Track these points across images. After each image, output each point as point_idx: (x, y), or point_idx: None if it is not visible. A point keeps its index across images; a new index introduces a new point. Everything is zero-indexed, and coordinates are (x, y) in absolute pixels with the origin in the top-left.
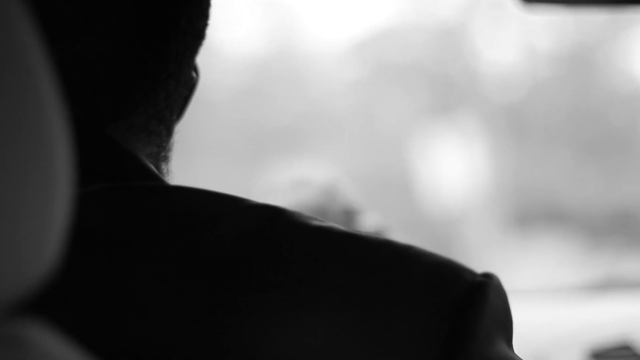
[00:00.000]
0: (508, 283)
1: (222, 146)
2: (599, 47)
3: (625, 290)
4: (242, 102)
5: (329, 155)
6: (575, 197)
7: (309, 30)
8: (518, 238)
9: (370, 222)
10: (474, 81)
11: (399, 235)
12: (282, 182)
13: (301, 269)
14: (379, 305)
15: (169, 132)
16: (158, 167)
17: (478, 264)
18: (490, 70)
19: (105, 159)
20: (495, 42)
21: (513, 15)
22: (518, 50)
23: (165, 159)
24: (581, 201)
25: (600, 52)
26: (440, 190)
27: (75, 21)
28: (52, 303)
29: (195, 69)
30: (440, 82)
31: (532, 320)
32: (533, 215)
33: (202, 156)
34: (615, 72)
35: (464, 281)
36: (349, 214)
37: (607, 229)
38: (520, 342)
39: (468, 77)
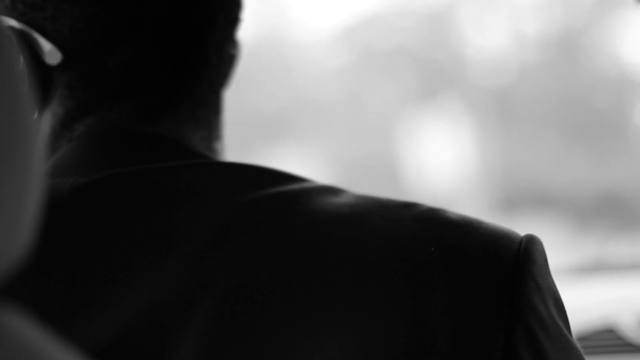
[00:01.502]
0: None
1: None
2: (586, 31)
3: (612, 273)
4: (230, 89)
5: (316, 141)
6: (563, 181)
7: (296, 17)
8: (505, 222)
9: None
10: (461, 66)
11: None
12: None
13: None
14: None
15: (216, 112)
16: (211, 147)
17: None
18: (477, 55)
19: (152, 153)
20: (483, 27)
21: (500, 0)
22: (505, 35)
23: (218, 137)
24: (568, 185)
25: (587, 36)
26: (428, 175)
27: (123, 25)
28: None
29: (235, 44)
30: (427, 67)
31: None
32: (520, 199)
33: None
34: (602, 56)
35: (512, 251)
36: None
37: (594, 212)
38: None
39: (455, 62)
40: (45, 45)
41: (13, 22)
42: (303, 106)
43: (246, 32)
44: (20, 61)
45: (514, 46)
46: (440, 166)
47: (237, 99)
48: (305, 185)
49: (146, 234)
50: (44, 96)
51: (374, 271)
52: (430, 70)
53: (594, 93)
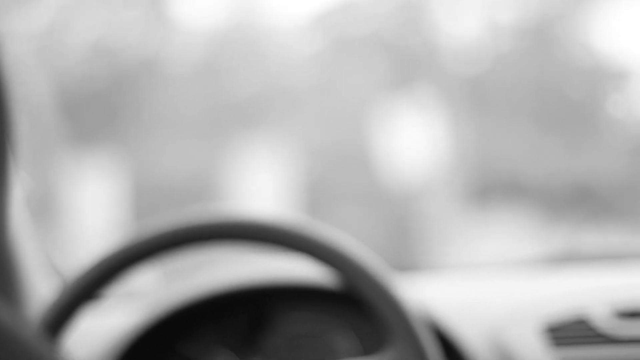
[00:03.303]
0: (467, 256)
1: (183, 120)
2: (560, 20)
3: (583, 262)
4: (203, 76)
5: (289, 128)
6: (535, 170)
7: (269, 4)
8: (478, 211)
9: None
10: (435, 54)
11: (358, 208)
12: None
13: None
14: None
15: None
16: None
17: (437, 237)
18: (451, 43)
19: None
20: (457, 15)
21: None
22: (480, 24)
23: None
24: (541, 174)
25: (562, 25)
26: (400, 163)
27: None
28: None
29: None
30: (401, 55)
31: (488, 294)
32: (493, 187)
33: (163, 130)
34: (577, 46)
35: None
36: None
37: (567, 202)
38: (472, 316)
39: (429, 50)
40: None
41: None
42: (276, 93)
43: (219, 18)
44: None
45: (488, 35)
46: (413, 154)
47: (211, 86)
48: None
49: None
50: None
51: None
52: (404, 58)
53: (568, 82)
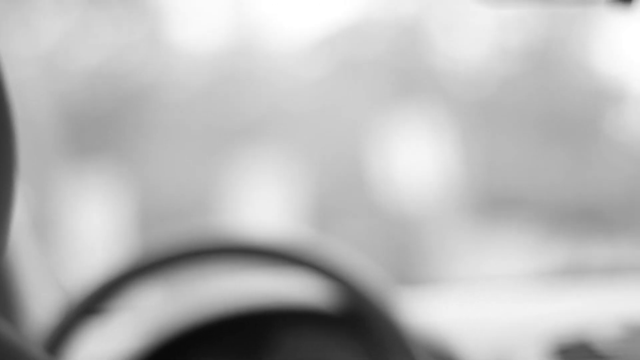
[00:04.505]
0: (471, 271)
1: (185, 146)
2: (563, 44)
3: (585, 277)
4: (205, 100)
5: (292, 152)
6: (540, 187)
7: (271, 28)
8: (480, 227)
9: None
10: (438, 78)
11: (365, 230)
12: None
13: None
14: None
15: None
16: None
17: (440, 254)
18: (455, 67)
19: None
20: (461, 39)
21: (478, 11)
22: (484, 47)
23: None
24: (545, 191)
25: (565, 48)
26: (403, 185)
27: None
28: None
29: None
30: (405, 78)
31: (492, 312)
32: (498, 205)
33: (166, 152)
34: (579, 68)
35: None
36: None
37: (570, 218)
38: (476, 335)
39: (433, 74)
40: None
41: None
42: (278, 119)
43: (222, 42)
44: None
45: (493, 58)
46: (415, 175)
47: (213, 110)
48: None
49: None
50: None
51: None
52: (409, 81)
53: (571, 104)
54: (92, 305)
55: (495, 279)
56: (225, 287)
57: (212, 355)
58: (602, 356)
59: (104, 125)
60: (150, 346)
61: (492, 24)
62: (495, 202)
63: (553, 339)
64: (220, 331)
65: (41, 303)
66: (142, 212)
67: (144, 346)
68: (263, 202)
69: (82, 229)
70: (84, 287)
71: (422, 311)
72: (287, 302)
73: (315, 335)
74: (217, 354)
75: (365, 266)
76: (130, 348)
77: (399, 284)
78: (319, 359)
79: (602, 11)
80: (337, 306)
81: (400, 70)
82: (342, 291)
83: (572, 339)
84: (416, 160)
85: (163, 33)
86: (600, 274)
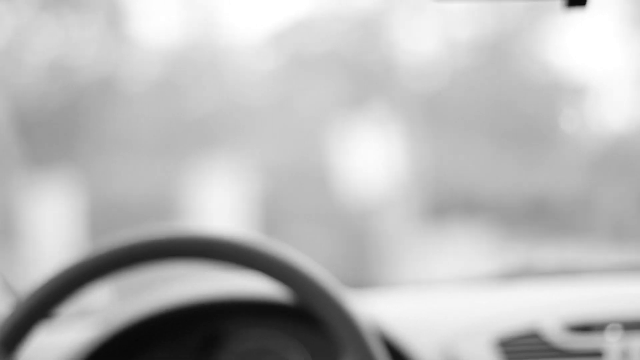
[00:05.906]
0: (424, 273)
1: (140, 138)
2: (516, 37)
3: (539, 278)
4: (160, 94)
5: (246, 145)
6: (492, 187)
7: (225, 22)
8: (434, 228)
9: None
10: (392, 71)
11: (315, 225)
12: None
13: None
14: None
15: None
16: None
17: (394, 254)
18: (408, 60)
19: None
20: (414, 32)
21: (431, 5)
22: (436, 40)
23: None
24: (497, 191)
25: (518, 42)
26: (357, 180)
27: None
28: None
29: None
30: (358, 72)
31: (441, 309)
32: (450, 204)
33: (120, 149)
34: (532, 62)
35: None
36: None
37: (523, 218)
38: (425, 331)
39: (386, 67)
40: None
41: None
42: (233, 111)
43: (177, 36)
44: None
45: (444, 51)
46: (370, 172)
47: (167, 104)
48: None
49: None
50: None
51: None
52: (361, 75)
53: (524, 99)
54: (44, 303)
55: (447, 280)
56: (178, 282)
57: (165, 347)
58: (550, 347)
59: (59, 120)
60: (104, 338)
61: (445, 16)
62: (448, 202)
63: (501, 332)
64: (172, 323)
65: None
66: (94, 211)
67: (97, 338)
68: (216, 200)
69: (34, 228)
70: (36, 286)
71: (372, 310)
72: (238, 293)
73: (268, 327)
74: (169, 345)
75: (314, 262)
76: (84, 341)
77: (352, 286)
78: (269, 348)
79: (556, 6)
80: (289, 298)
81: (353, 64)
82: (293, 283)
83: (520, 331)
84: (368, 158)
85: (120, 27)
86: (552, 274)
